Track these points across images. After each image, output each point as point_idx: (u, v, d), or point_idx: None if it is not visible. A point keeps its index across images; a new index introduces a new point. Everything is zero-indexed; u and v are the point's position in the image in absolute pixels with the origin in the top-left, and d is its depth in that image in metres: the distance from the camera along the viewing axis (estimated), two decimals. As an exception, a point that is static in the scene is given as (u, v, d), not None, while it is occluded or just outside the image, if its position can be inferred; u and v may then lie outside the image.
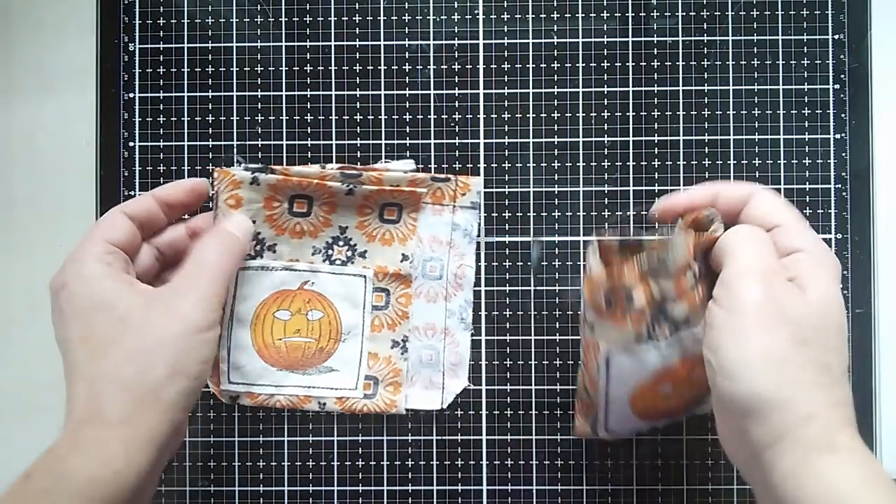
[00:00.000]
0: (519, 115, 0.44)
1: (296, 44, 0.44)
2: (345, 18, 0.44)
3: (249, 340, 0.41)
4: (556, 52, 0.44)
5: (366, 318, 0.42)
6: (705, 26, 0.44)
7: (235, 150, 0.44)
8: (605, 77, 0.44)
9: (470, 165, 0.44)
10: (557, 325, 0.44)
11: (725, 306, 0.29)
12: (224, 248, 0.35)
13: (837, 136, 0.44)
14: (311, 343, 0.42)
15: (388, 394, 0.43)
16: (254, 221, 0.40)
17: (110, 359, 0.31)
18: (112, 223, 0.34)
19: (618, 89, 0.44)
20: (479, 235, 0.43)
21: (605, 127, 0.44)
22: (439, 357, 0.43)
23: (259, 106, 0.44)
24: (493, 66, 0.44)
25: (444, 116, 0.44)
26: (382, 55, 0.44)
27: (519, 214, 0.44)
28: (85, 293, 0.32)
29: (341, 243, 0.42)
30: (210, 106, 0.44)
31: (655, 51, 0.44)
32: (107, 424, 0.30)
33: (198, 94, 0.44)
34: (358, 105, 0.44)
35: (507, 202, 0.44)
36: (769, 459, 0.28)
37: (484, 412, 0.44)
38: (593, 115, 0.44)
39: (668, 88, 0.44)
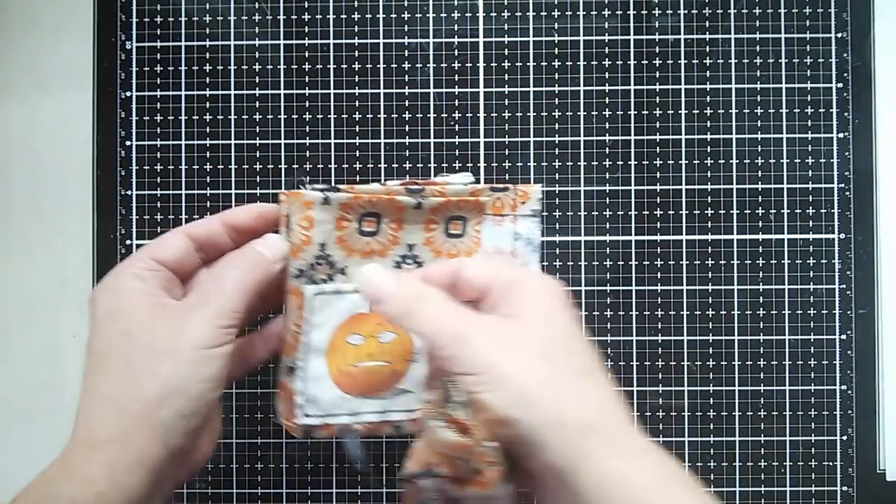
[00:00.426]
0: (519, 114, 0.44)
1: (294, 42, 0.44)
2: (343, 16, 0.44)
3: (325, 370, 0.39)
4: (556, 51, 0.44)
5: None
6: (707, 24, 0.44)
7: (295, 172, 0.43)
8: (607, 75, 0.44)
9: (470, 164, 0.44)
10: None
11: (467, 372, 0.29)
12: (246, 266, 0.33)
13: (840, 134, 0.43)
14: (385, 366, 0.41)
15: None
16: (325, 244, 0.38)
17: (109, 373, 0.30)
18: (165, 241, 0.33)
19: (619, 88, 0.44)
20: (541, 243, 0.43)
21: (607, 126, 0.44)
22: None
23: (257, 104, 0.44)
24: (494, 64, 0.44)
25: (444, 115, 0.44)
26: (382, 53, 0.44)
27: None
28: (104, 304, 0.31)
29: (409, 261, 0.41)
30: (207, 104, 0.44)
31: (657, 49, 0.44)
32: (94, 444, 0.28)
33: (195, 92, 0.44)
34: (357, 103, 0.44)
35: (507, 202, 0.43)
36: (572, 482, 0.27)
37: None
38: (594, 113, 0.44)
39: (670, 87, 0.44)
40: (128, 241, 0.44)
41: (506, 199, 0.42)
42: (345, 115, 0.44)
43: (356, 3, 0.44)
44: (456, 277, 0.32)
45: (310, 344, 0.39)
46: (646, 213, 0.44)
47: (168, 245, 0.33)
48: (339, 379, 0.39)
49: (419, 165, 0.43)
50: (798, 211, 0.43)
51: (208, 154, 0.44)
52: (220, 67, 0.44)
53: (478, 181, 0.42)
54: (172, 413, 0.29)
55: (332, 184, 0.37)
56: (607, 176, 0.44)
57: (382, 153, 0.44)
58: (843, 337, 0.43)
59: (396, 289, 0.32)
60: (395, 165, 0.44)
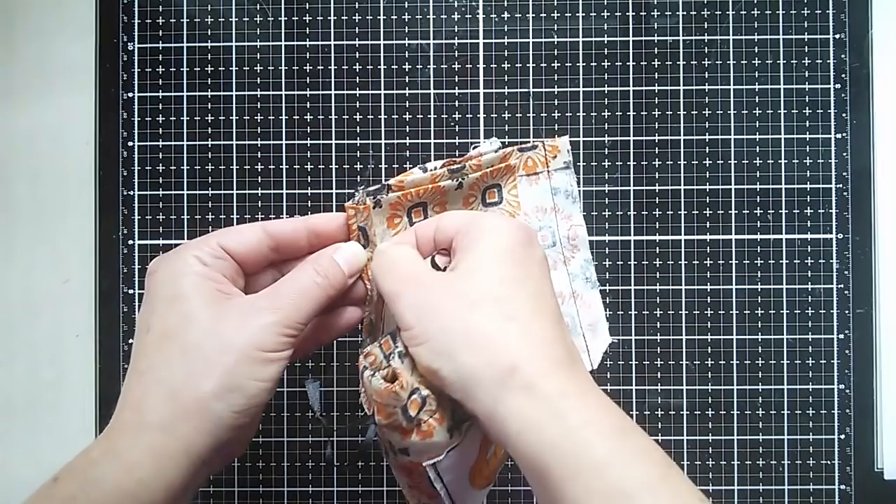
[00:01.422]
0: (519, 115, 0.44)
1: (295, 43, 0.44)
2: (344, 18, 0.44)
3: None
4: (556, 52, 0.44)
5: None
6: (706, 25, 0.44)
7: (358, 181, 0.43)
8: (606, 76, 0.44)
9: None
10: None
11: (402, 328, 0.30)
12: (327, 283, 0.32)
13: (838, 135, 0.44)
14: None
15: None
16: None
17: (166, 357, 0.29)
18: (238, 231, 0.33)
19: (618, 89, 0.44)
20: (579, 193, 0.43)
21: (606, 126, 0.44)
22: (575, 322, 0.43)
23: (258, 105, 0.44)
24: (493, 65, 0.44)
25: (444, 116, 0.44)
26: (382, 55, 0.44)
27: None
28: (166, 280, 0.31)
29: None
30: (209, 105, 0.44)
31: (656, 50, 0.44)
32: (143, 428, 0.28)
33: (197, 93, 0.44)
34: (358, 105, 0.44)
35: (507, 202, 0.44)
36: (497, 429, 0.27)
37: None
38: (593, 114, 0.44)
39: (669, 88, 0.44)
40: (130, 242, 0.44)
41: (536, 156, 0.42)
42: (346, 116, 0.44)
43: (357, 5, 0.44)
44: (436, 230, 0.33)
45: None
46: (645, 213, 0.44)
47: (241, 236, 0.33)
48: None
49: (420, 165, 0.43)
50: (796, 211, 0.44)
51: (210, 155, 0.44)
52: (221, 69, 0.44)
53: (505, 145, 0.42)
54: (226, 407, 0.29)
55: (383, 184, 0.37)
56: (606, 176, 0.44)
57: (383, 154, 0.44)
58: (841, 336, 0.43)
59: (377, 251, 0.33)
60: (395, 166, 0.44)
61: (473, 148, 0.42)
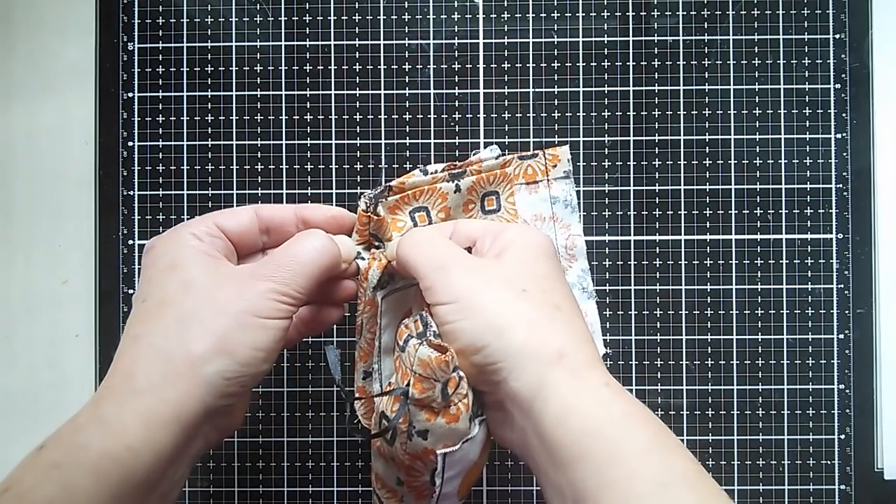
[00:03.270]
0: (519, 115, 0.44)
1: (295, 43, 0.44)
2: (344, 18, 0.44)
3: (393, 369, 0.40)
4: (556, 52, 0.44)
5: None
6: (706, 26, 0.44)
7: (334, 161, 0.43)
8: (606, 77, 0.44)
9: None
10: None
11: (444, 302, 0.30)
12: (323, 251, 0.32)
13: (838, 135, 0.44)
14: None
15: None
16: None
17: (161, 322, 0.29)
18: (234, 212, 0.34)
19: (618, 89, 0.44)
20: (578, 203, 0.43)
21: (606, 126, 0.44)
22: None
23: (258, 105, 0.44)
24: (493, 65, 0.44)
25: (444, 116, 0.44)
26: (382, 55, 0.44)
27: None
28: (163, 254, 0.31)
29: None
30: (209, 105, 0.44)
31: (656, 50, 0.44)
32: (132, 392, 0.28)
33: (197, 93, 0.44)
34: (358, 105, 0.44)
35: (507, 202, 0.44)
36: (537, 409, 0.27)
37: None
38: (593, 114, 0.44)
39: (669, 88, 0.44)
40: (130, 242, 0.44)
41: (536, 165, 0.42)
42: (346, 116, 0.44)
43: (357, 5, 0.44)
44: (453, 232, 0.34)
45: (382, 347, 0.39)
46: (645, 213, 0.44)
47: (236, 216, 0.34)
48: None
49: (420, 166, 0.43)
50: (796, 211, 0.44)
51: (210, 154, 0.44)
52: (221, 68, 0.44)
53: (502, 149, 0.42)
54: (216, 372, 0.28)
55: (384, 184, 0.37)
56: (606, 176, 0.44)
57: (383, 154, 0.44)
58: (841, 336, 0.43)
59: (405, 241, 0.33)
60: (395, 166, 0.44)
61: (474, 154, 0.42)
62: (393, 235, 0.38)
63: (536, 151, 0.42)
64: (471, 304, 0.29)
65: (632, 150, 0.44)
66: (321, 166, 0.44)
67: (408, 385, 0.30)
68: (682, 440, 0.43)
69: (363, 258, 0.36)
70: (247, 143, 0.44)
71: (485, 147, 0.43)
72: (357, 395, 0.40)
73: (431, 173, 0.38)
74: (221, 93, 0.44)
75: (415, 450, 0.31)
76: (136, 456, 0.26)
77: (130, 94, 0.44)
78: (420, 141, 0.44)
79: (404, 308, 0.40)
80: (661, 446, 0.26)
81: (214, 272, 0.31)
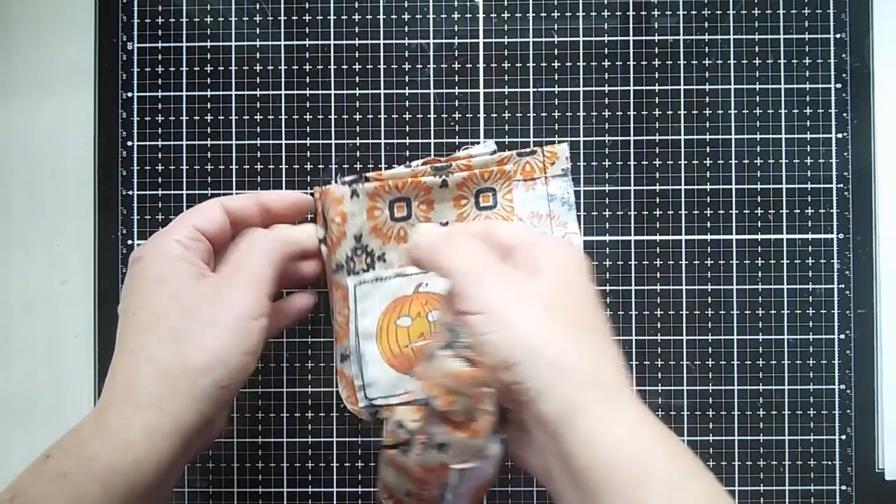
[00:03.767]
0: (519, 115, 0.44)
1: (295, 43, 0.44)
2: (344, 17, 0.44)
3: (378, 354, 0.41)
4: (556, 52, 0.44)
5: None
6: (706, 25, 0.44)
7: (334, 161, 0.43)
8: (606, 76, 0.44)
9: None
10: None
11: (475, 311, 0.29)
12: (276, 240, 0.35)
13: (839, 135, 0.43)
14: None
15: None
16: (360, 235, 0.40)
17: (153, 335, 0.30)
18: (208, 212, 0.35)
19: (618, 88, 0.44)
20: (576, 201, 0.43)
21: (606, 126, 0.44)
22: None
23: (258, 105, 0.44)
24: (494, 65, 0.44)
25: (444, 116, 0.44)
26: (382, 54, 0.44)
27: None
28: (152, 266, 0.32)
29: None
30: (209, 105, 0.44)
31: (656, 50, 0.44)
32: (135, 406, 0.28)
33: (196, 93, 0.44)
34: (357, 104, 0.44)
35: (507, 202, 0.44)
36: (564, 432, 0.27)
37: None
38: (594, 114, 0.44)
39: (669, 87, 0.44)
40: (129, 242, 0.44)
41: (534, 162, 0.42)
42: (345, 116, 0.44)
43: (356, 4, 0.44)
44: (487, 236, 0.33)
45: (360, 331, 0.40)
46: (645, 213, 0.44)
47: (210, 216, 0.34)
48: (394, 361, 0.41)
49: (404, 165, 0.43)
50: (797, 211, 0.44)
51: (209, 154, 0.44)
52: (221, 68, 0.44)
53: (501, 148, 0.43)
54: (212, 382, 0.30)
55: (359, 173, 0.38)
56: (607, 176, 0.44)
57: (383, 153, 0.44)
58: (842, 336, 0.43)
59: (431, 232, 0.33)
60: (395, 166, 0.44)
61: (463, 149, 0.42)
62: (359, 223, 0.39)
63: (535, 148, 0.42)
64: (503, 317, 0.29)
65: (632, 150, 0.44)
66: (321, 166, 0.44)
67: (433, 396, 0.29)
68: (683, 440, 0.43)
69: (326, 243, 0.38)
70: (246, 142, 0.44)
71: (484, 140, 0.43)
72: (338, 379, 0.40)
73: (412, 167, 0.39)
74: (221, 92, 0.44)
75: (430, 462, 0.30)
76: (140, 467, 0.27)
77: (130, 94, 0.44)
78: (420, 141, 0.44)
79: (391, 299, 0.40)
80: (691, 476, 0.26)
81: (196, 283, 0.32)
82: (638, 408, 0.28)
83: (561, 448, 0.27)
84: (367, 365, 0.41)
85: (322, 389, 0.44)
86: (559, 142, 0.43)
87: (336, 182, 0.39)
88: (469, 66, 0.44)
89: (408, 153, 0.44)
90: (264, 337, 0.32)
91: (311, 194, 0.41)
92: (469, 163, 0.41)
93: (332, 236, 0.39)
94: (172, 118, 0.44)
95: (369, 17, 0.44)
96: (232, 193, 0.44)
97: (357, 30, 0.44)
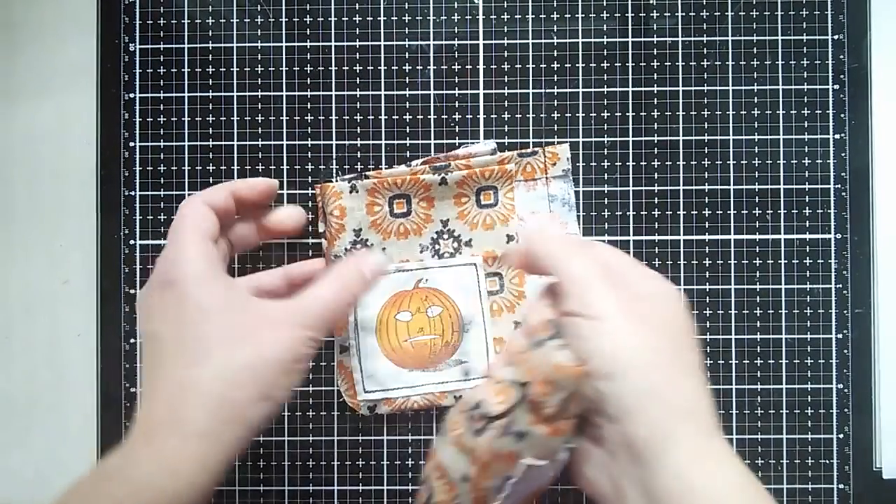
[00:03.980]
0: (519, 115, 0.44)
1: (296, 44, 0.44)
2: (345, 19, 0.44)
3: (377, 347, 0.42)
4: (556, 52, 0.44)
5: (484, 305, 0.42)
6: (705, 26, 0.44)
7: (335, 161, 0.44)
8: (605, 77, 0.44)
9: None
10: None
11: (583, 314, 0.29)
12: (344, 288, 0.34)
13: (837, 136, 0.44)
14: (437, 339, 0.42)
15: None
16: (360, 229, 0.40)
17: (205, 368, 0.30)
18: (205, 216, 0.34)
19: (618, 89, 0.44)
20: (577, 203, 0.43)
21: (605, 127, 0.44)
22: None
23: (259, 106, 0.44)
24: (493, 66, 0.44)
25: (444, 116, 0.44)
26: (382, 55, 0.44)
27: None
28: (196, 294, 0.31)
29: (446, 236, 0.42)
30: (210, 106, 0.44)
31: (655, 51, 0.44)
32: (187, 435, 0.29)
33: (198, 94, 0.44)
34: (358, 105, 0.44)
35: (507, 202, 0.44)
36: (654, 458, 0.27)
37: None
38: (593, 115, 0.44)
39: (668, 89, 0.44)
40: (131, 242, 0.44)
41: (535, 162, 0.43)
42: (346, 117, 0.44)
43: (357, 6, 0.44)
44: (594, 254, 0.33)
45: (360, 323, 0.40)
46: (644, 213, 0.44)
47: (209, 219, 0.34)
48: (393, 355, 0.41)
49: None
50: (795, 211, 0.44)
51: (211, 155, 0.44)
52: (222, 69, 0.44)
53: (502, 149, 0.43)
54: (258, 415, 0.30)
55: (360, 171, 0.39)
56: (605, 177, 0.44)
57: (383, 154, 0.44)
58: (840, 336, 0.44)
59: (551, 230, 0.33)
60: (395, 166, 0.44)
61: (462, 147, 0.43)
62: (359, 217, 0.40)
63: (536, 149, 0.43)
64: (614, 329, 0.28)
65: (631, 150, 0.44)
66: (322, 167, 0.44)
67: (530, 383, 0.29)
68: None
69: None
70: (248, 143, 0.44)
71: (484, 139, 0.43)
72: (337, 371, 0.41)
73: (411, 166, 0.40)
74: (222, 93, 0.44)
75: (501, 449, 0.29)
76: (195, 492, 0.28)
77: (132, 95, 0.44)
78: (420, 141, 0.44)
79: (391, 294, 0.41)
80: None
81: (251, 315, 0.32)
82: (728, 451, 0.28)
83: (644, 475, 0.27)
84: (366, 357, 0.41)
85: (322, 388, 0.44)
86: (560, 142, 0.43)
87: (336, 178, 0.40)
88: (469, 67, 0.44)
89: (408, 154, 0.44)
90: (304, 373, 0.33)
91: (313, 191, 0.42)
92: (469, 162, 0.41)
93: (330, 230, 0.40)
94: (174, 119, 0.44)
95: (370, 18, 0.44)
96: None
97: (358, 31, 0.44)
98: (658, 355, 0.28)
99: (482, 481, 0.30)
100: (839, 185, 0.44)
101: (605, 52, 0.44)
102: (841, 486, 0.43)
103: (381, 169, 0.42)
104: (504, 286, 0.43)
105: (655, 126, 0.44)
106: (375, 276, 0.35)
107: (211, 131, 0.44)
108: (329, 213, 0.40)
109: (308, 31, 0.44)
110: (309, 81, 0.44)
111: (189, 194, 0.44)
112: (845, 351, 0.43)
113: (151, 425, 0.30)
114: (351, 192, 0.40)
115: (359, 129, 0.44)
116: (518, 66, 0.44)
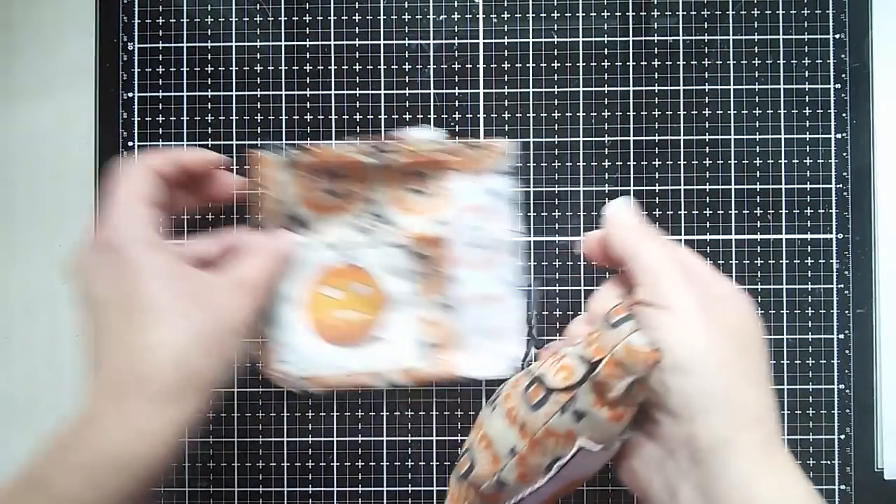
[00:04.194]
0: (519, 115, 0.44)
1: (295, 43, 0.44)
2: (344, 18, 0.44)
3: (296, 320, 0.41)
4: (556, 52, 0.44)
5: (411, 286, 0.42)
6: (706, 25, 0.44)
7: (283, 142, 0.44)
8: (606, 76, 0.44)
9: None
10: (557, 325, 0.44)
11: (665, 305, 0.29)
12: (274, 259, 0.37)
13: (838, 135, 0.44)
14: (363, 317, 0.42)
15: (445, 357, 0.42)
16: (291, 203, 0.41)
17: (160, 333, 0.30)
18: (152, 182, 0.34)
19: (618, 89, 0.44)
20: (516, 198, 0.43)
21: (606, 126, 0.44)
22: (493, 324, 0.42)
23: (258, 105, 0.44)
24: (493, 65, 0.44)
25: (444, 116, 0.44)
26: (382, 54, 0.44)
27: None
28: (141, 260, 0.31)
29: (378, 216, 0.42)
30: (209, 105, 0.44)
31: (656, 50, 0.44)
32: (153, 397, 0.29)
33: (197, 93, 0.44)
34: (358, 105, 0.44)
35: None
36: (716, 462, 0.26)
37: (484, 412, 0.44)
38: (593, 114, 0.44)
39: (669, 88, 0.44)
40: (130, 241, 0.44)
41: (477, 154, 0.42)
42: (346, 116, 0.44)
43: (357, 5, 0.44)
44: (674, 256, 0.32)
45: (279, 293, 0.40)
46: (645, 213, 0.44)
47: (155, 185, 0.34)
48: (321, 329, 0.41)
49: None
50: (796, 211, 0.44)
51: (210, 155, 0.44)
52: (221, 69, 0.44)
53: (450, 136, 0.43)
54: (216, 377, 0.31)
55: (297, 145, 0.39)
56: (606, 176, 0.44)
57: (383, 154, 0.44)
58: (841, 336, 0.43)
59: (635, 219, 0.33)
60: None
61: (401, 132, 0.43)
62: (293, 193, 0.40)
63: (478, 141, 0.43)
64: (690, 324, 0.28)
65: (632, 150, 0.44)
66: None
67: (599, 361, 0.28)
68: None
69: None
70: (246, 143, 0.44)
71: (437, 128, 0.43)
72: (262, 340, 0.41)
73: (356, 145, 0.40)
74: (221, 93, 0.44)
75: (557, 427, 0.28)
76: (162, 457, 0.29)
77: (130, 94, 0.44)
78: (420, 141, 0.44)
79: (320, 270, 0.42)
80: None
81: (193, 278, 0.33)
82: (793, 464, 0.27)
83: (703, 478, 0.27)
84: (283, 328, 0.41)
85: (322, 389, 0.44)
86: (509, 139, 0.43)
87: (274, 150, 0.40)
88: (469, 66, 0.44)
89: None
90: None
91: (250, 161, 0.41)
92: (411, 147, 0.41)
93: (263, 201, 0.40)
94: (173, 118, 0.44)
95: (369, 17, 0.44)
96: (232, 193, 0.44)
97: (357, 30, 0.44)
98: (730, 357, 0.28)
99: (531, 458, 0.29)
100: (841, 185, 0.44)
101: (606, 52, 0.44)
102: (842, 486, 0.43)
103: (321, 144, 0.41)
104: (432, 268, 0.43)
105: (656, 125, 0.44)
106: (295, 252, 0.39)
107: (210, 130, 0.44)
108: (262, 185, 0.40)
109: (307, 31, 0.44)
110: (308, 80, 0.44)
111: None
112: (847, 351, 0.43)
113: (114, 390, 0.29)
114: (287, 165, 0.40)
115: (358, 129, 0.44)
116: (518, 65, 0.44)
